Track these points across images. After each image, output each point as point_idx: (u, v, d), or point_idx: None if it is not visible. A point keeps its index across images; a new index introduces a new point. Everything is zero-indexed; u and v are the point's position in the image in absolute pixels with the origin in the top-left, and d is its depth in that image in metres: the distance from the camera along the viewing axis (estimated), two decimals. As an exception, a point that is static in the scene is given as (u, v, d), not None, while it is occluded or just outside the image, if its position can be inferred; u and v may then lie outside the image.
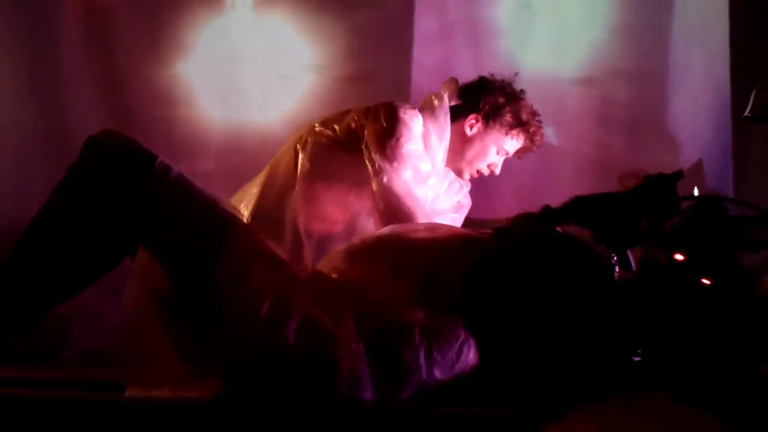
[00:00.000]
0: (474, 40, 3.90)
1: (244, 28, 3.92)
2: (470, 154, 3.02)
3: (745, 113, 3.18)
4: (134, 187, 2.02)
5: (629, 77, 3.84)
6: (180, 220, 2.02)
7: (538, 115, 3.07)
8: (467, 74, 3.94)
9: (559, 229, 1.73)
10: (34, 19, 3.87)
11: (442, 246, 1.94)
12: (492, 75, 3.09)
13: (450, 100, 2.98)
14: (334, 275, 2.06)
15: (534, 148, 3.09)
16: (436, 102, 2.94)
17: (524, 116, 3.02)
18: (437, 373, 1.90)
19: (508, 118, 3.01)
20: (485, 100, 3.01)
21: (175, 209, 2.02)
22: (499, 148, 3.04)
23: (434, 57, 3.90)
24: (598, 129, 3.84)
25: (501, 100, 3.01)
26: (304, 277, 2.04)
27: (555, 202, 3.79)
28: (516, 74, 3.11)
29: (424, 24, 3.91)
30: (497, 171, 3.09)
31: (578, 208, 2.08)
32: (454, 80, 3.05)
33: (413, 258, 1.98)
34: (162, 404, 2.11)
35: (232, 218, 2.07)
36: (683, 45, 3.85)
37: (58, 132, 3.82)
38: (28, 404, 2.11)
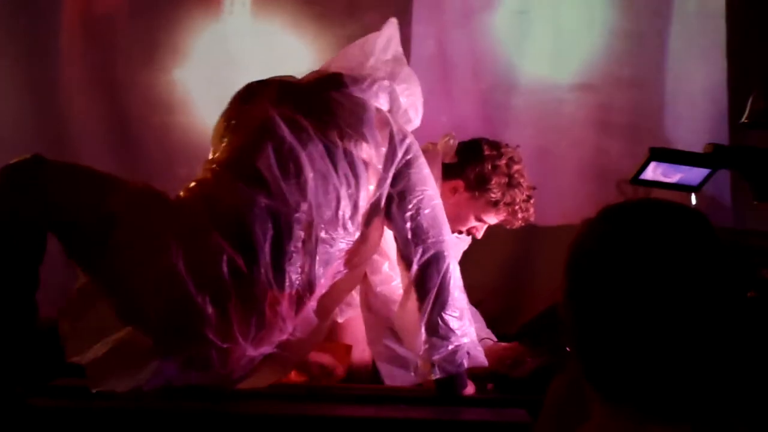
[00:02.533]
0: (471, 47, 3.90)
1: (242, 35, 3.92)
2: (450, 215, 2.76)
3: (742, 119, 3.18)
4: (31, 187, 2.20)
5: (627, 83, 3.84)
6: (74, 198, 2.22)
7: (530, 191, 2.87)
8: (465, 82, 3.94)
9: None
10: (32, 25, 3.87)
11: None
12: (490, 143, 2.88)
13: (445, 158, 2.83)
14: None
15: (519, 224, 2.90)
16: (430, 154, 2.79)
17: (510, 197, 2.82)
18: None
19: (492, 194, 2.81)
20: (472, 168, 2.83)
21: (68, 190, 2.22)
22: (478, 217, 2.87)
23: (431, 64, 3.90)
24: (596, 135, 3.84)
25: (489, 171, 2.81)
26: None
27: (553, 208, 3.81)
28: (517, 147, 2.91)
29: (421, 32, 3.91)
30: (479, 236, 2.93)
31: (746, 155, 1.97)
32: (451, 138, 2.87)
33: None
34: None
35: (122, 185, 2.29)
36: (681, 51, 3.86)
37: (56, 137, 3.82)
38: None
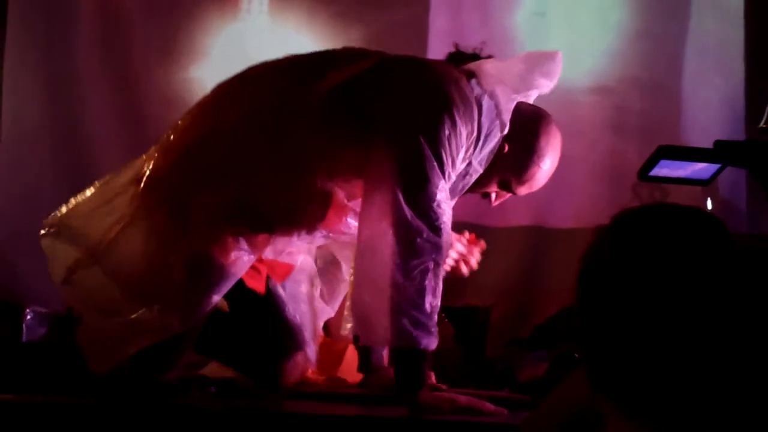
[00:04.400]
0: (488, 49, 3.89)
1: (259, 34, 3.92)
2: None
3: (760, 124, 3.16)
4: None
5: (643, 86, 3.83)
6: None
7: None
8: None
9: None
10: (50, 22, 3.90)
11: None
12: None
13: None
14: None
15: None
16: None
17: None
18: None
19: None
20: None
21: None
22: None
23: (448, 64, 3.89)
24: (612, 138, 3.83)
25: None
26: None
27: (567, 211, 3.79)
28: None
29: (438, 32, 3.91)
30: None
31: (756, 150, 1.92)
32: None
33: None
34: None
35: None
36: (698, 55, 3.84)
37: (72, 134, 3.85)
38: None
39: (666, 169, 1.99)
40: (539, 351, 2.86)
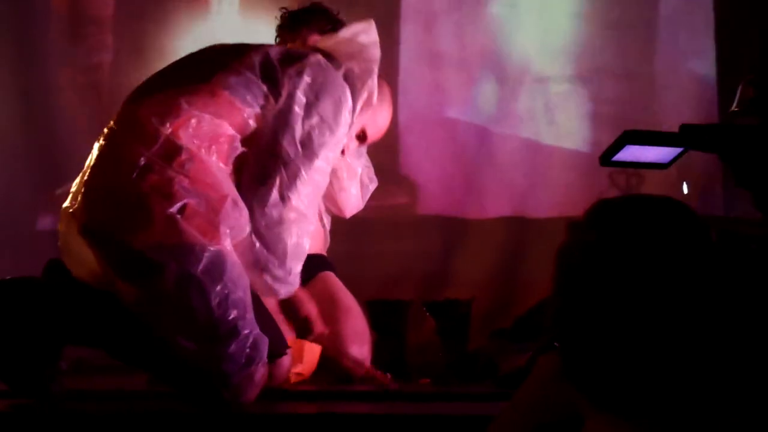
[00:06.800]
0: (460, 40, 3.90)
1: (229, 33, 3.91)
2: None
3: (732, 108, 3.18)
4: None
5: (616, 74, 3.85)
6: None
7: None
8: (454, 76, 3.94)
9: None
10: (19, 28, 3.87)
11: None
12: None
13: None
14: None
15: None
16: None
17: None
18: None
19: None
20: None
21: None
22: None
23: (420, 57, 3.90)
24: (587, 126, 3.85)
25: None
26: None
27: (545, 201, 3.80)
28: None
29: (410, 25, 3.91)
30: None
31: (723, 134, 1.92)
32: None
33: None
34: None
35: None
36: (669, 41, 3.86)
37: (45, 141, 3.82)
38: (24, 415, 2.12)
39: (628, 153, 1.99)
40: (523, 342, 2.86)
